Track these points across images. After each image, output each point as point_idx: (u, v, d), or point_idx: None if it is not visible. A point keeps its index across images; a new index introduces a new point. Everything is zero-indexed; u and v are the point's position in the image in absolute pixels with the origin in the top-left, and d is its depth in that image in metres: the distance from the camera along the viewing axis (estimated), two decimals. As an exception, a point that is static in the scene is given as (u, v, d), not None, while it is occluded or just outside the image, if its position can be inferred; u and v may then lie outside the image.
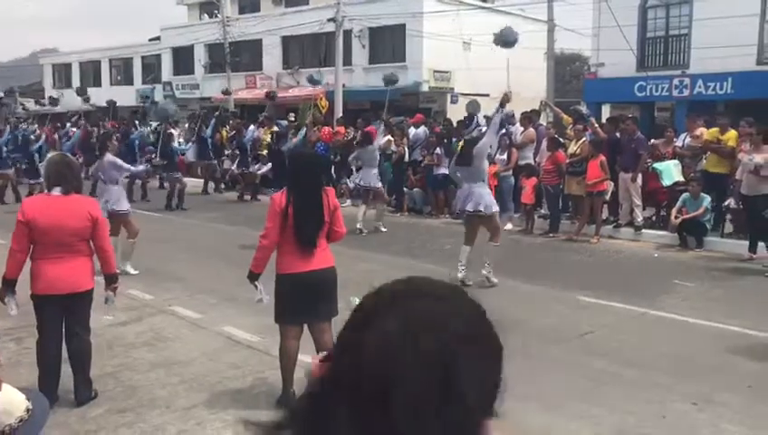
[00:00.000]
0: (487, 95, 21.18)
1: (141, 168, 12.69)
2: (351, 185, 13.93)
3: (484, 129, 8.32)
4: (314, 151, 12.52)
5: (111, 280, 4.95)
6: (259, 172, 17.26)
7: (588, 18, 21.69)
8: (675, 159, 11.79)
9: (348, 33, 24.52)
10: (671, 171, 11.50)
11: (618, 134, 12.11)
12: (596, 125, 12.29)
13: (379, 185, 12.61)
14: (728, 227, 11.19)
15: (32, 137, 17.48)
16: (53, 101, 25.37)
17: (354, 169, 13.98)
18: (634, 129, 11.89)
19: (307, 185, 4.79)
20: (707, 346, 6.25)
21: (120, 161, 9.34)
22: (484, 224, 8.39)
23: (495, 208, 8.48)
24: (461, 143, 9.27)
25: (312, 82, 19.04)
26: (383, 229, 12.32)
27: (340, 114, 20.99)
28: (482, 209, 8.19)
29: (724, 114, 11.88)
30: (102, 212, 8.70)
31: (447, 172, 13.81)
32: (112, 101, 20.81)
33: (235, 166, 18.09)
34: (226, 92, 24.45)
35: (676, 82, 19.61)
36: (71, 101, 38.67)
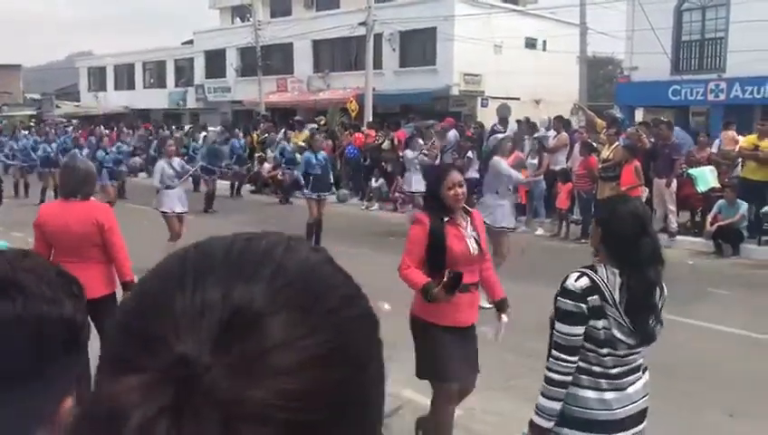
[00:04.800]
0: (518, 99, 21.09)
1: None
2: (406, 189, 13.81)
3: (500, 136, 8.12)
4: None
5: (127, 288, 4.83)
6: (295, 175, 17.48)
7: (621, 21, 21.46)
8: (710, 164, 11.60)
9: (378, 37, 24.56)
10: (706, 177, 11.31)
11: (651, 139, 11.95)
12: (642, 134, 12.05)
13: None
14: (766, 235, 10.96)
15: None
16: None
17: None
18: (668, 134, 11.72)
19: None
20: (742, 356, 6.12)
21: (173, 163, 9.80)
22: (491, 238, 7.87)
23: (506, 224, 7.85)
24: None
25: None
26: None
27: (370, 118, 21.03)
28: (487, 221, 7.60)
29: (765, 120, 11.63)
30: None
31: (478, 176, 13.83)
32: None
33: (267, 169, 18.25)
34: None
35: (711, 85, 19.29)
36: (105, 103, 39.51)
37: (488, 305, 7.18)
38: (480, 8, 25.49)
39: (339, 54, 29.41)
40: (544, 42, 27.95)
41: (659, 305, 2.75)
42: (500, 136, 7.88)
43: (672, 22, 19.97)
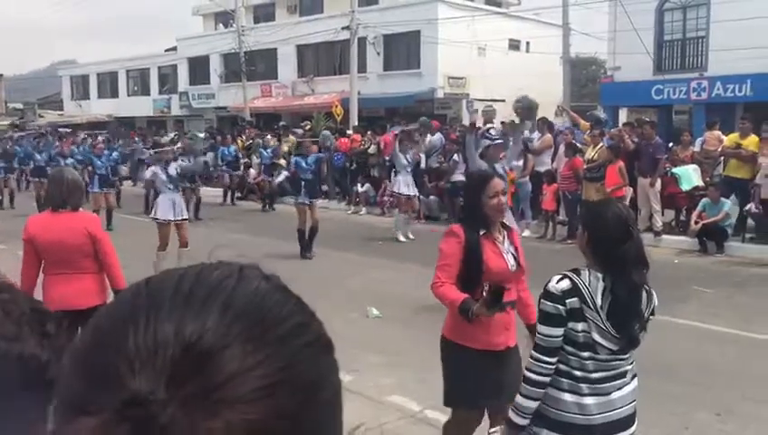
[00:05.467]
0: (503, 101, 21.13)
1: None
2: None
3: (486, 142, 7.96)
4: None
5: None
6: (276, 181, 17.35)
7: (603, 22, 21.61)
8: (693, 163, 11.69)
9: (362, 41, 24.58)
10: (690, 176, 11.40)
11: (635, 138, 12.03)
12: (625, 136, 12.14)
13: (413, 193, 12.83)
14: (749, 232, 11.06)
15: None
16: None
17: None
18: (652, 133, 11.81)
19: None
20: (729, 354, 6.16)
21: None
22: None
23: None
24: None
25: None
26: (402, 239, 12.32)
27: (356, 122, 21.03)
28: None
29: (746, 118, 11.76)
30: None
31: (464, 179, 13.86)
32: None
33: (252, 176, 18.19)
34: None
35: (693, 84, 19.45)
36: (88, 111, 39.28)
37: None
38: (463, 11, 25.57)
39: (323, 59, 29.41)
40: (528, 43, 28.08)
41: (646, 312, 2.73)
42: (498, 142, 7.69)
43: (654, 22, 20.13)
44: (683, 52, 20.43)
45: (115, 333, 0.50)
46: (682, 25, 20.24)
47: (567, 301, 2.62)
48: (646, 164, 11.55)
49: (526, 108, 7.87)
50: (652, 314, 2.77)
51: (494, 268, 3.52)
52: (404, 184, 12.71)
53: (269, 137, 18.89)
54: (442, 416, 5.01)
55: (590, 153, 11.86)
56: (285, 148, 17.34)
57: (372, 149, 16.63)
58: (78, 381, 0.50)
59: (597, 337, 2.62)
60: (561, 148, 12.55)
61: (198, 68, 34.37)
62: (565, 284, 2.65)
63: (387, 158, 16.19)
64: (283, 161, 17.18)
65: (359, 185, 16.37)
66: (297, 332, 0.53)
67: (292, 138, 18.34)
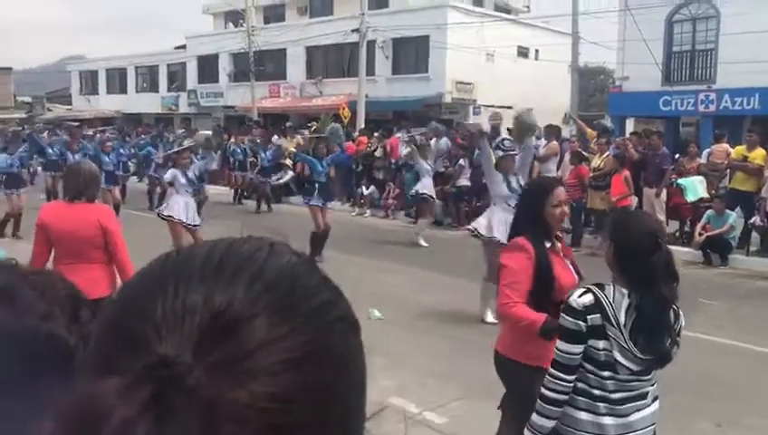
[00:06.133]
0: (510, 107, 21.13)
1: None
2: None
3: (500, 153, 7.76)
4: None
5: None
6: (281, 181, 17.38)
7: (613, 31, 21.60)
8: (699, 174, 11.69)
9: (371, 44, 24.61)
10: (696, 187, 11.39)
11: (641, 148, 12.03)
12: (629, 145, 12.14)
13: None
14: (754, 245, 11.03)
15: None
16: None
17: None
18: (658, 144, 11.81)
19: None
20: (732, 366, 6.14)
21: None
22: (485, 249, 7.32)
23: (497, 236, 6.92)
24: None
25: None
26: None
27: (363, 125, 21.05)
28: (497, 236, 6.98)
29: (753, 131, 11.75)
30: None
31: (469, 184, 13.87)
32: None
33: (253, 175, 18.16)
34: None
35: (702, 96, 19.44)
36: (97, 106, 39.39)
37: (493, 320, 7.13)
38: (472, 17, 25.61)
39: (332, 61, 29.45)
40: (536, 51, 28.09)
41: (676, 328, 2.60)
42: (511, 153, 7.59)
43: (663, 33, 20.13)
44: (692, 63, 20.41)
45: (144, 299, 0.50)
46: (691, 37, 20.22)
47: (588, 317, 2.51)
48: (652, 174, 11.55)
49: (516, 128, 7.76)
50: (678, 334, 2.63)
51: (565, 284, 3.25)
52: (429, 187, 12.58)
53: (276, 137, 18.89)
54: (440, 418, 5.03)
55: (597, 162, 11.86)
56: (291, 148, 17.33)
57: (379, 152, 16.65)
58: (105, 345, 0.51)
59: (618, 356, 2.50)
60: (567, 156, 12.55)
61: (207, 66, 34.44)
62: (587, 299, 2.53)
63: (393, 160, 16.22)
64: (288, 161, 17.21)
65: (363, 187, 16.39)
66: (325, 307, 0.53)
67: (298, 138, 18.34)
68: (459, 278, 8.53)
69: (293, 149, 16.88)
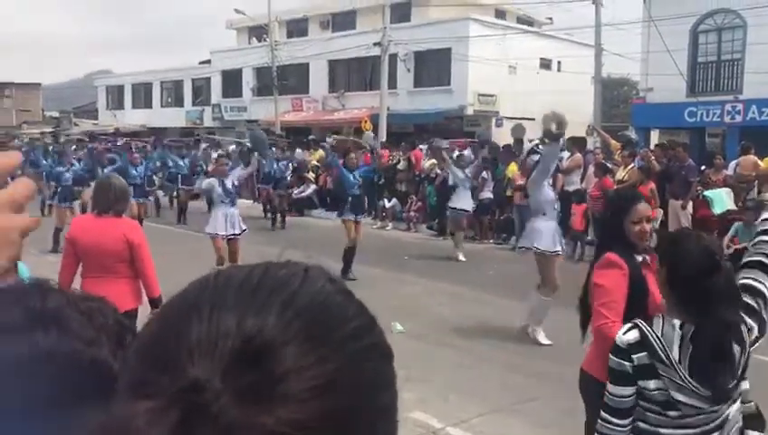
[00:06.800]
0: (533, 119, 21.06)
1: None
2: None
3: (537, 157, 7.67)
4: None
5: (154, 304, 4.87)
6: (303, 195, 17.41)
7: (636, 42, 21.47)
8: (726, 187, 11.52)
9: (393, 57, 24.72)
10: (723, 199, 11.21)
11: (664, 160, 11.91)
12: (651, 157, 12.02)
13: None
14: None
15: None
16: None
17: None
18: (685, 156, 11.67)
19: None
20: (758, 382, 6.01)
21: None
22: (539, 265, 7.40)
23: (558, 249, 7.31)
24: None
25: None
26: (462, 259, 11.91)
27: (384, 138, 21.09)
28: (537, 246, 7.23)
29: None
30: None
31: (492, 196, 13.80)
32: None
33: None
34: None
35: (728, 107, 19.19)
36: (122, 121, 39.96)
37: (548, 342, 7.01)
38: (494, 29, 25.61)
39: (354, 74, 29.63)
40: (559, 62, 27.99)
41: (740, 359, 2.33)
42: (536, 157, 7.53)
43: (688, 43, 19.94)
44: (717, 74, 20.18)
45: (179, 321, 0.51)
46: (717, 48, 20.00)
47: (634, 356, 2.29)
48: (678, 186, 11.41)
49: (555, 122, 7.67)
50: (753, 342, 2.39)
51: (659, 300, 3.00)
52: (464, 199, 12.14)
53: (299, 150, 18.98)
54: (463, 434, 4.97)
55: (621, 174, 11.75)
56: (314, 161, 17.39)
57: (402, 165, 16.65)
58: (140, 367, 0.51)
59: (678, 396, 2.26)
60: (591, 168, 12.45)
61: (231, 81, 34.82)
62: (632, 335, 2.33)
63: (417, 172, 16.21)
64: (311, 175, 17.26)
65: (385, 200, 16.38)
66: (357, 335, 0.53)
67: (320, 151, 18.43)
68: (483, 292, 8.47)
69: (316, 162, 16.94)
